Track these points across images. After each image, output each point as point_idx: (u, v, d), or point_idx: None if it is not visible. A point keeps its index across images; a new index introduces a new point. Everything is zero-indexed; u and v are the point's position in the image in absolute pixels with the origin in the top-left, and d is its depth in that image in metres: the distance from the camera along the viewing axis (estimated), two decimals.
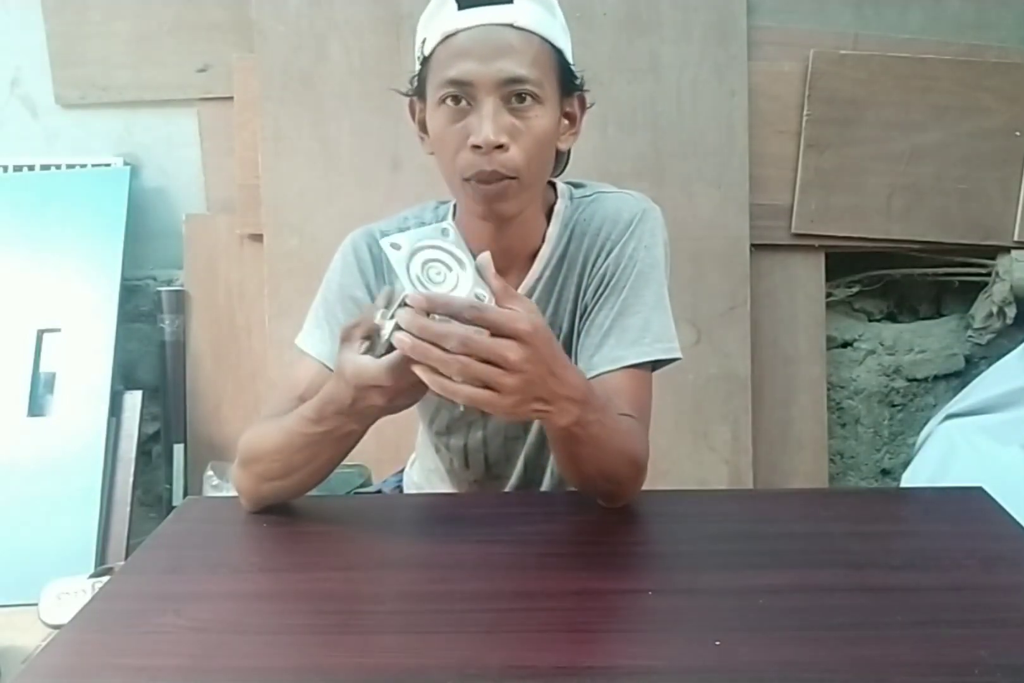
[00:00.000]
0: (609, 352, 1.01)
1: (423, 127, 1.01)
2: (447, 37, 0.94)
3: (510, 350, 0.72)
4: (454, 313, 0.72)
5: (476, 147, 0.92)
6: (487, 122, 0.92)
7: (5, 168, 2.33)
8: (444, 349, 0.72)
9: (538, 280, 1.07)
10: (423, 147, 1.03)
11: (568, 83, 1.00)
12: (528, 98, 0.93)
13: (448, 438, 1.16)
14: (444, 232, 0.75)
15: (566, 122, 1.02)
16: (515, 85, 0.92)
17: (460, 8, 0.93)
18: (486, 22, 0.92)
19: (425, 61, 0.97)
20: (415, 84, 1.01)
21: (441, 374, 0.73)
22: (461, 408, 1.10)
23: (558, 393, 0.78)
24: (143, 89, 2.31)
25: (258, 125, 2.19)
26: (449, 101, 0.94)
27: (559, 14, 1.00)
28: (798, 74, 2.17)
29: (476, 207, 0.98)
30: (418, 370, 0.74)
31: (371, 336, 0.82)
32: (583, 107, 1.04)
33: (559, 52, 0.97)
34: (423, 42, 0.97)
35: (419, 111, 1.02)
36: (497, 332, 0.72)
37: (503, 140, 0.92)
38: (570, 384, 0.80)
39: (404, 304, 0.73)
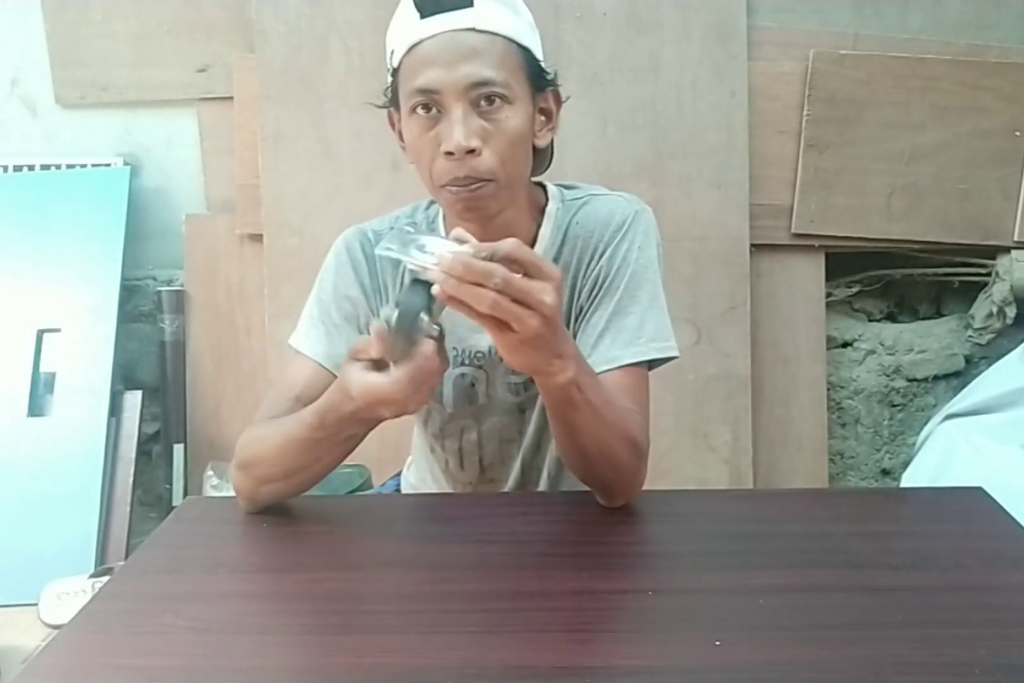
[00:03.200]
0: (605, 352, 1.01)
1: (402, 137, 1.02)
2: (412, 47, 0.94)
3: (545, 293, 0.76)
4: (495, 255, 0.75)
5: (449, 153, 0.93)
6: (457, 127, 0.92)
7: (5, 168, 2.33)
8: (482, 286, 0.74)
9: None
10: (405, 157, 1.03)
11: (539, 80, 1.00)
12: (497, 99, 0.94)
13: (443, 440, 1.16)
14: (414, 226, 0.79)
15: (542, 118, 1.02)
16: (482, 88, 0.93)
17: (422, 17, 0.94)
18: (448, 29, 0.93)
19: (395, 72, 0.98)
20: (389, 95, 1.01)
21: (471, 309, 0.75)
22: (450, 410, 1.11)
23: (564, 349, 0.82)
24: (143, 89, 2.31)
25: (258, 125, 2.19)
26: (420, 110, 0.94)
27: (524, 12, 1.00)
28: (798, 74, 2.17)
29: (455, 208, 0.99)
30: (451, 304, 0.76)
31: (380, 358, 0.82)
32: (558, 102, 1.04)
33: (526, 50, 0.97)
34: (391, 54, 0.98)
35: (397, 122, 1.03)
36: (534, 274, 0.76)
37: (474, 144, 0.93)
38: (570, 342, 0.85)
39: (416, 281, 0.77)
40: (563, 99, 1.04)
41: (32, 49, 2.30)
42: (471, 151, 0.93)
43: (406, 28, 0.95)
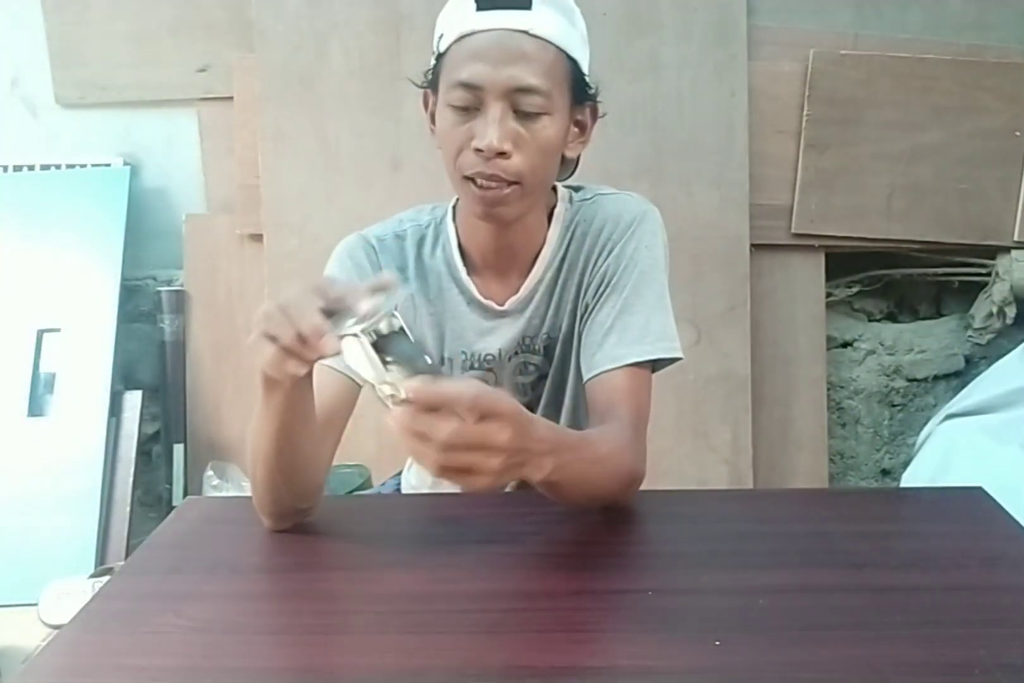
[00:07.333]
0: (611, 350, 1.01)
1: (434, 119, 1.02)
2: (462, 37, 0.94)
3: (499, 433, 0.70)
4: (450, 405, 0.68)
5: (479, 151, 0.93)
6: (492, 128, 0.92)
7: (5, 168, 2.33)
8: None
9: (539, 282, 1.08)
10: (433, 139, 1.03)
11: (580, 93, 1.00)
12: (536, 107, 0.94)
13: None
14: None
15: (576, 130, 1.02)
16: (524, 94, 0.93)
17: (478, 9, 0.94)
18: (502, 27, 0.93)
19: (440, 57, 0.98)
20: (429, 77, 1.01)
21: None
22: None
23: (532, 451, 0.75)
24: (143, 89, 2.31)
25: (258, 125, 2.19)
26: (457, 102, 0.94)
27: (580, 23, 1.00)
28: (798, 74, 2.17)
29: (475, 208, 0.99)
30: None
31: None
32: (595, 116, 1.04)
33: (575, 62, 0.97)
34: (440, 37, 0.98)
35: (431, 103, 1.02)
36: (485, 414, 0.69)
37: (506, 147, 0.93)
38: (537, 439, 0.76)
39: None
40: (600, 114, 1.05)
41: (32, 49, 2.30)
42: (501, 153, 0.93)
43: (460, 16, 0.95)
